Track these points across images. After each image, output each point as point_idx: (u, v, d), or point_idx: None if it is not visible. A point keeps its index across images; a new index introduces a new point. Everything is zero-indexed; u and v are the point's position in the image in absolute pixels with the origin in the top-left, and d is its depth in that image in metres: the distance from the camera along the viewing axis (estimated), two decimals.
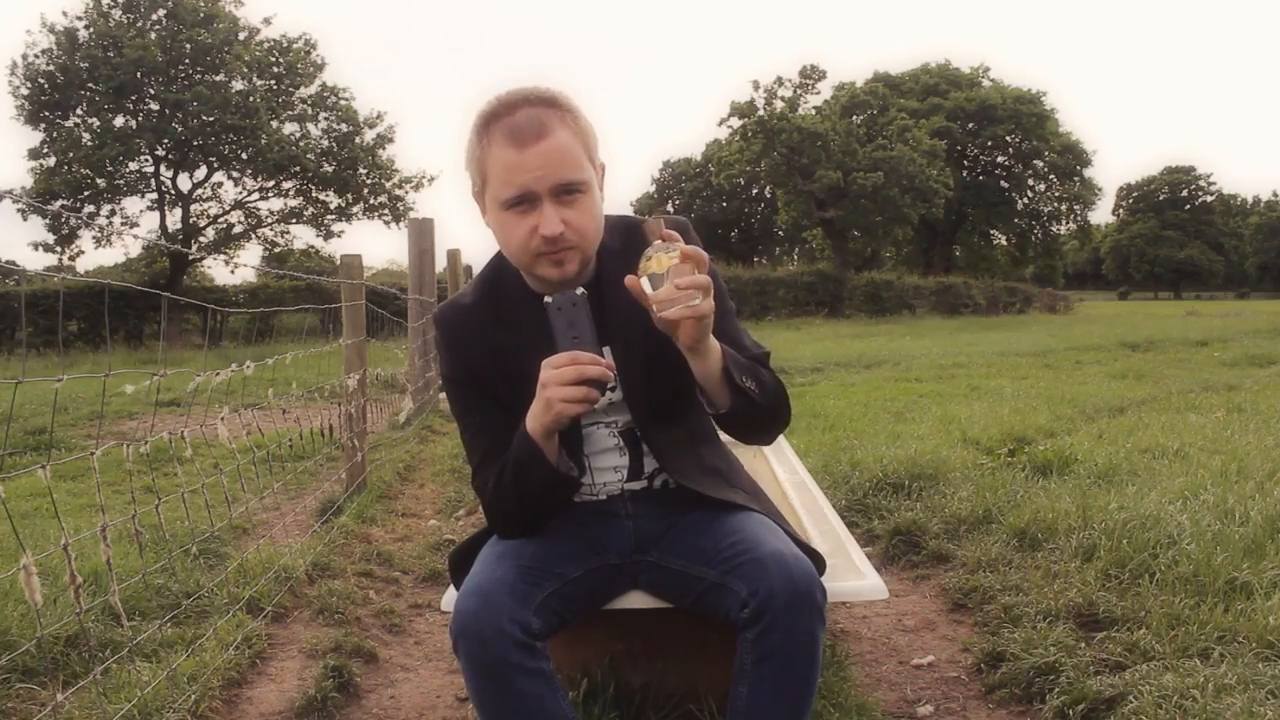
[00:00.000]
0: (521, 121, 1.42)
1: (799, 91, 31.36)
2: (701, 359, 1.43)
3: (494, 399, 1.57)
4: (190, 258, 24.37)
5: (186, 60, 22.22)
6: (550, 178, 1.42)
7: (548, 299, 1.40)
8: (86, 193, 22.26)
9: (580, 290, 1.41)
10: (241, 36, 22.99)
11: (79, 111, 22.18)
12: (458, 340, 1.59)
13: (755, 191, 48.54)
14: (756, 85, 30.85)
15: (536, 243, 1.44)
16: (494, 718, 1.41)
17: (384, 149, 24.24)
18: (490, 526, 1.66)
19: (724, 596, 1.48)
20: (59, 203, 21.35)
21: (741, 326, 1.64)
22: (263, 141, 21.99)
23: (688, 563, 1.56)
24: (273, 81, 23.44)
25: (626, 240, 1.56)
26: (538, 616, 1.43)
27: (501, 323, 1.57)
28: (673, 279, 1.32)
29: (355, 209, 24.58)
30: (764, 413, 1.54)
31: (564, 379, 1.36)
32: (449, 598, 1.78)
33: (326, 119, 24.01)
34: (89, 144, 21.73)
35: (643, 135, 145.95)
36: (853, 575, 1.93)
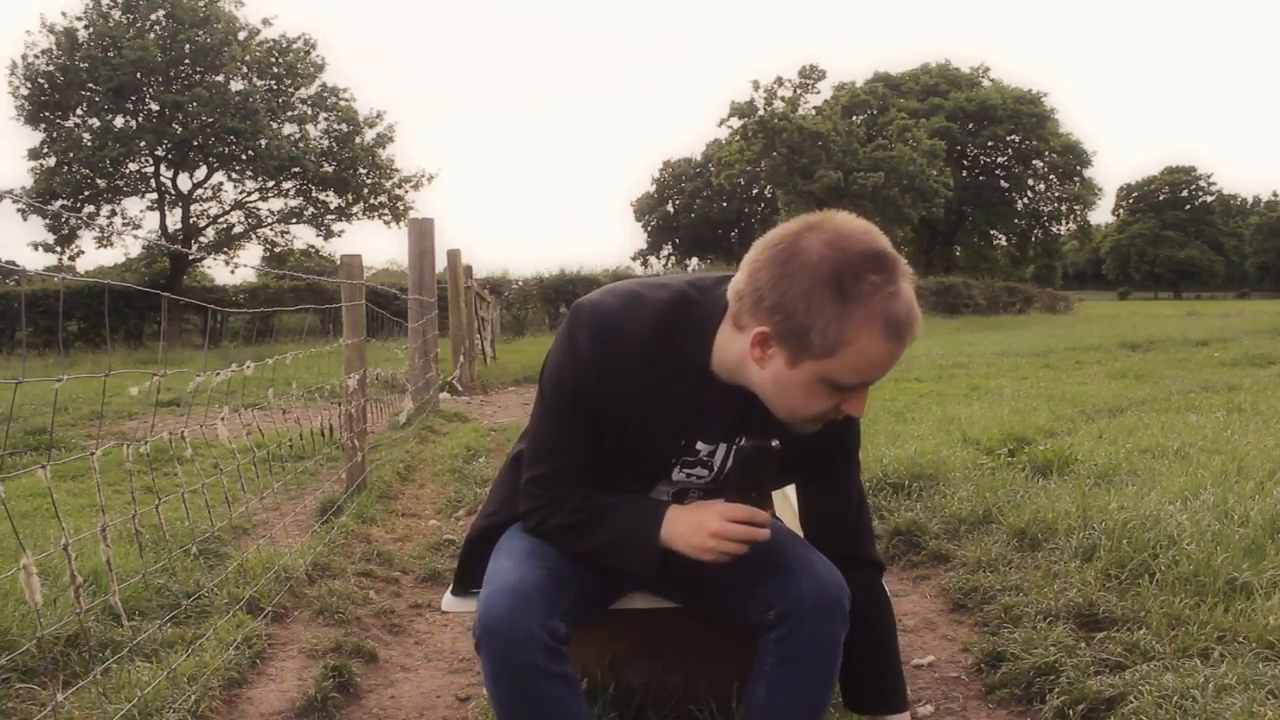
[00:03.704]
0: (903, 315, 1.29)
1: (799, 91, 31.41)
2: None
3: (597, 431, 1.46)
4: (190, 258, 24.38)
5: (186, 61, 22.24)
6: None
7: (742, 443, 1.41)
8: (86, 193, 22.31)
9: (775, 442, 1.39)
10: (241, 37, 23.00)
11: (79, 112, 22.22)
12: (603, 364, 1.42)
13: (755, 191, 48.55)
14: (756, 85, 30.93)
15: (829, 415, 1.38)
16: (515, 719, 1.40)
17: (384, 149, 24.26)
18: (524, 525, 1.57)
19: (745, 599, 1.48)
20: (59, 203, 21.37)
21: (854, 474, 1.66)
22: (262, 145, 22.00)
23: (707, 565, 1.54)
24: (272, 82, 23.45)
25: None
26: (564, 621, 1.41)
27: (655, 378, 1.43)
28: None
29: (355, 209, 24.61)
30: None
31: (733, 534, 1.38)
32: (449, 598, 1.78)
33: (326, 119, 24.03)
34: (89, 144, 21.77)
35: (643, 135, 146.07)
36: None
